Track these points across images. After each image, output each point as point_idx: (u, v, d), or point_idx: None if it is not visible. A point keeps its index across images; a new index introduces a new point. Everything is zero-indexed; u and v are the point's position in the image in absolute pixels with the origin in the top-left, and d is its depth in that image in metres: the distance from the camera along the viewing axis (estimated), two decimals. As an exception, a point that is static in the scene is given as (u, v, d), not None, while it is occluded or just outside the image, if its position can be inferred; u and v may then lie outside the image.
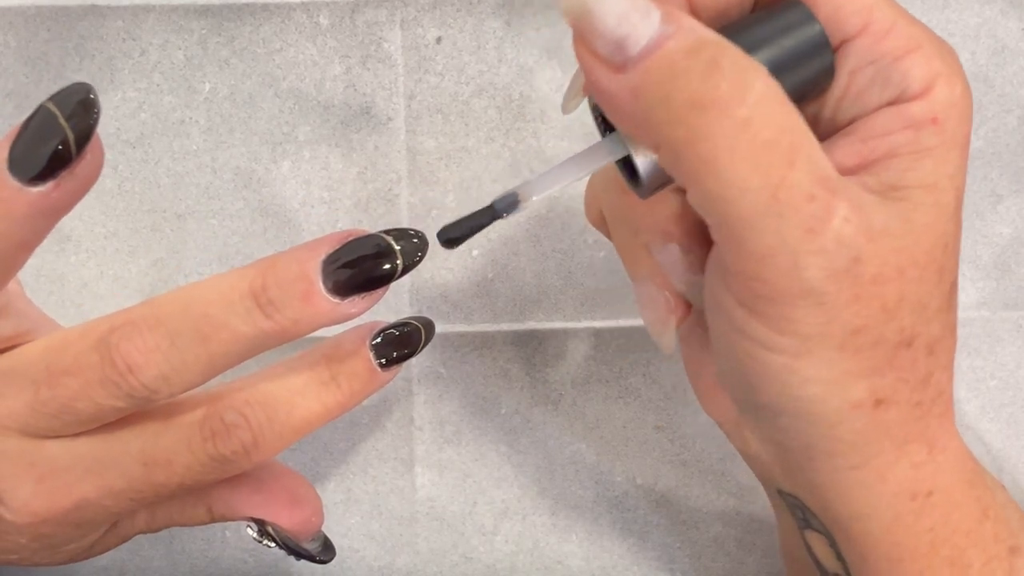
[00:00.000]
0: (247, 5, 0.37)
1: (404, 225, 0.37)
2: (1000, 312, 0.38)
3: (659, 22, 0.21)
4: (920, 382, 0.24)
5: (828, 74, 0.24)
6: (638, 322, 0.38)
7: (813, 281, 0.22)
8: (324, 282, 0.26)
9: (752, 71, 0.22)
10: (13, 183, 0.25)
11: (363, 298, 0.26)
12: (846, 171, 0.24)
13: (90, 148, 0.25)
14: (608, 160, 0.25)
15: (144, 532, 0.32)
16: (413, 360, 0.37)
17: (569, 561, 0.39)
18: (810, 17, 0.24)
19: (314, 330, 0.27)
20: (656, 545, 0.39)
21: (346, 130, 0.37)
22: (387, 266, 0.26)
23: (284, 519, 0.31)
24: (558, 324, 0.38)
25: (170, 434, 0.28)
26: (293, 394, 0.28)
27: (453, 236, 0.25)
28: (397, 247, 0.26)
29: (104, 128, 0.37)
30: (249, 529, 0.31)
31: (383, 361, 0.29)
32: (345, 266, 0.26)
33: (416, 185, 0.37)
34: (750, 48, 0.23)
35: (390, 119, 0.37)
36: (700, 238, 0.26)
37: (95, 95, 0.25)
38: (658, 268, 0.28)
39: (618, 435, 0.38)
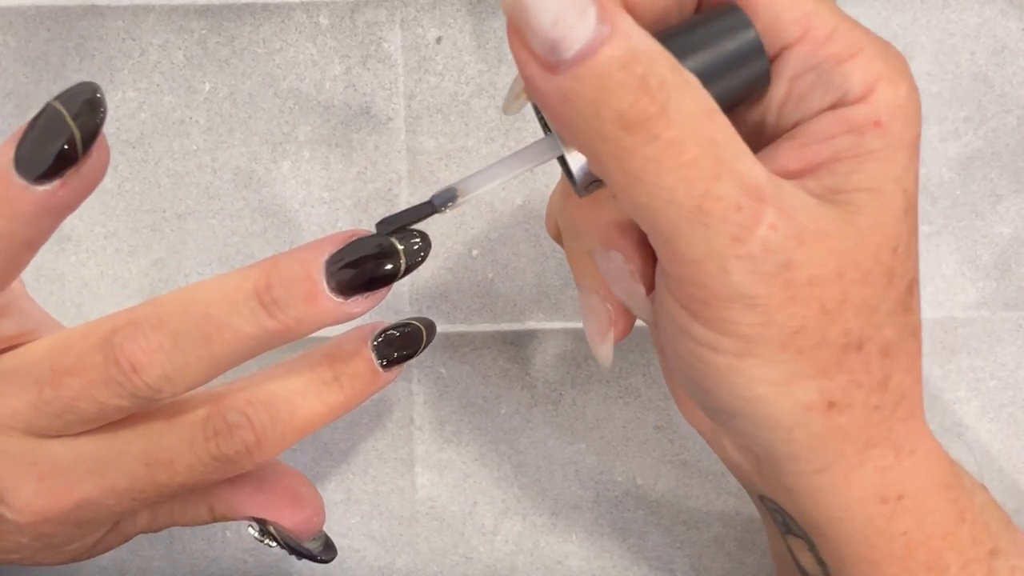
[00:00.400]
0: (247, 5, 0.37)
1: (404, 225, 0.37)
2: (1000, 312, 0.38)
3: (594, 21, 0.21)
4: (877, 385, 0.24)
5: (763, 79, 0.25)
6: (638, 322, 0.38)
7: (742, 285, 0.22)
8: (327, 282, 0.26)
9: (680, 89, 0.22)
10: (19, 182, 0.25)
11: (366, 298, 0.26)
12: (789, 174, 0.24)
13: (96, 147, 0.25)
14: (546, 158, 0.25)
15: (146, 531, 0.32)
16: (413, 360, 0.37)
17: (569, 561, 0.39)
18: (746, 22, 0.24)
19: (317, 330, 0.27)
20: (656, 545, 0.39)
21: (346, 130, 0.37)
22: (390, 266, 0.26)
23: (286, 519, 0.31)
24: (558, 324, 0.38)
25: (173, 434, 0.28)
26: (295, 394, 0.28)
27: (390, 225, 0.26)
28: (400, 247, 0.26)
29: (104, 128, 0.37)
30: (251, 529, 0.31)
31: (384, 362, 0.29)
32: (348, 266, 0.26)
33: (416, 185, 0.37)
34: (685, 52, 0.23)
35: (390, 119, 0.37)
36: (642, 248, 0.26)
37: (102, 94, 0.26)
38: (601, 278, 0.28)
39: (618, 435, 0.38)
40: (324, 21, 0.37)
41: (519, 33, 0.21)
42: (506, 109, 0.26)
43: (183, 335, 0.26)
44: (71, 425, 0.27)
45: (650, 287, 0.27)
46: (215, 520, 0.31)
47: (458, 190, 0.25)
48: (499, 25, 0.37)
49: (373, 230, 0.27)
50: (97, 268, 0.37)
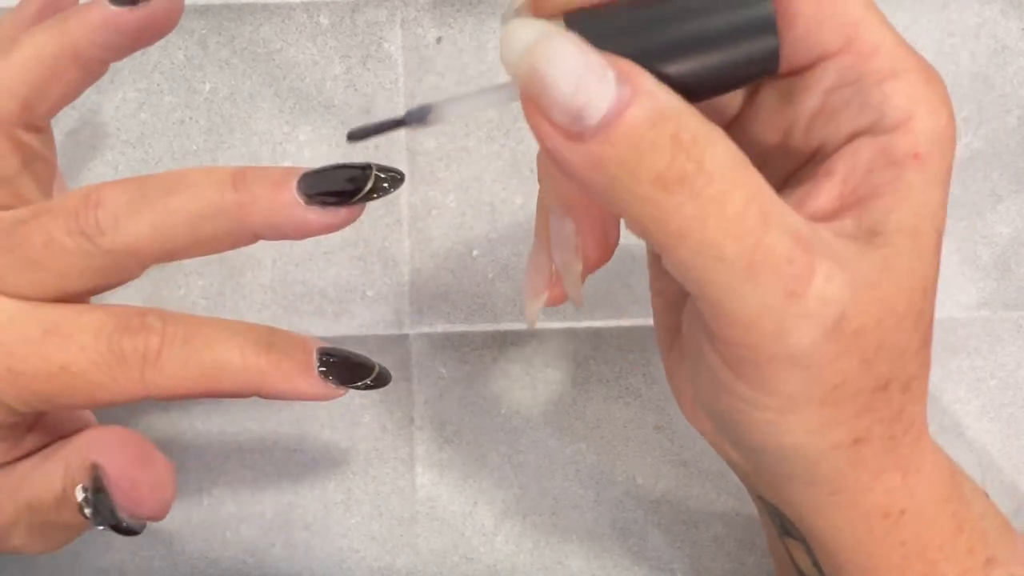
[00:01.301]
0: (247, 5, 0.37)
1: (404, 225, 0.37)
2: (1000, 312, 0.38)
3: (615, 83, 0.20)
4: (893, 418, 0.24)
5: (771, 61, 0.23)
6: (638, 322, 0.38)
7: (800, 345, 0.22)
8: (297, 185, 0.26)
9: (716, 142, 0.21)
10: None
11: (325, 210, 0.26)
12: (827, 215, 0.23)
13: None
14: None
15: (6, 527, 0.29)
16: (414, 361, 0.37)
17: (569, 561, 0.39)
18: None
19: (273, 223, 0.26)
20: (656, 545, 0.39)
21: (346, 130, 0.37)
22: (355, 179, 0.26)
23: (122, 465, 0.27)
24: (558, 324, 0.38)
25: (88, 315, 0.27)
26: (222, 332, 0.27)
27: (359, 136, 0.25)
28: (374, 171, 0.27)
29: (104, 128, 0.37)
30: (79, 491, 0.27)
31: (322, 367, 0.28)
32: (319, 174, 0.26)
33: (416, 185, 0.37)
34: (685, 15, 0.22)
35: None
36: (595, 229, 0.26)
37: None
38: (547, 237, 0.27)
39: (618, 435, 0.38)
40: (324, 21, 0.37)
41: (537, 103, 0.21)
42: (504, 19, 0.25)
43: (153, 187, 0.26)
44: (17, 267, 0.26)
45: (592, 267, 0.26)
46: (64, 494, 0.28)
47: (434, 110, 0.24)
48: (499, 25, 0.37)
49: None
50: (97, 268, 0.37)
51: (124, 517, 0.27)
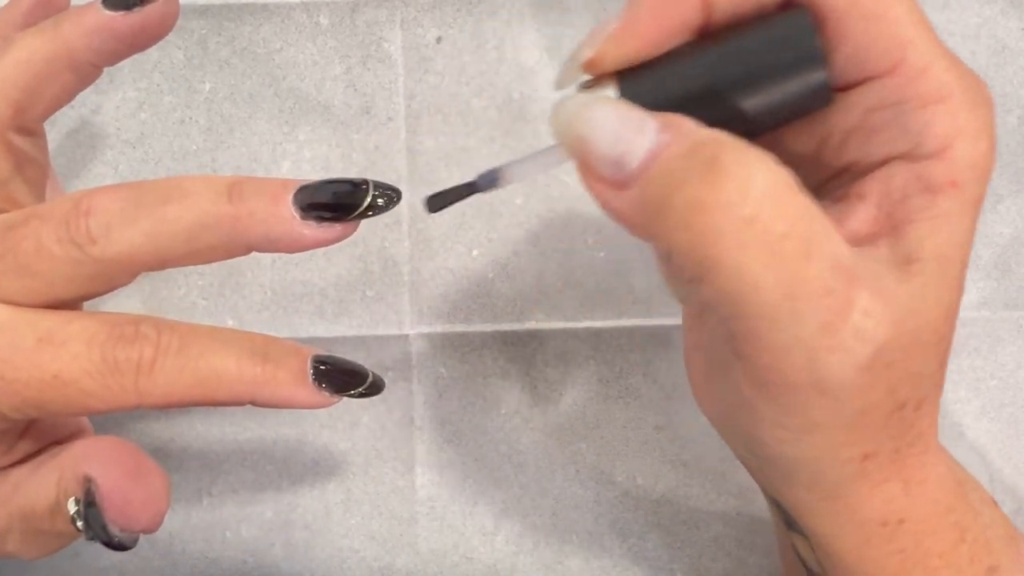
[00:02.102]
0: (247, 5, 0.37)
1: (404, 225, 0.37)
2: (1000, 312, 0.38)
3: (656, 132, 0.21)
4: (902, 434, 0.24)
5: (823, 95, 0.23)
6: (638, 322, 0.38)
7: (831, 379, 0.22)
8: (293, 199, 0.26)
9: (755, 164, 0.21)
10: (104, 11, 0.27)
11: (320, 225, 0.26)
12: (861, 239, 0.23)
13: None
14: None
15: None
16: (414, 361, 0.37)
17: (569, 561, 0.39)
18: (807, 28, 0.22)
19: (269, 237, 0.26)
20: (656, 545, 0.39)
21: (346, 130, 0.37)
22: (352, 195, 0.26)
23: (116, 477, 0.27)
24: (558, 324, 0.38)
25: (82, 322, 0.26)
26: (216, 342, 0.27)
27: (437, 206, 0.26)
28: (371, 189, 0.26)
29: (104, 128, 0.37)
30: (71, 503, 0.27)
31: (314, 373, 0.28)
32: (316, 188, 0.26)
33: (416, 185, 0.37)
34: (734, 56, 0.22)
35: (390, 119, 0.37)
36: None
37: None
38: None
39: (618, 435, 0.38)
40: (324, 21, 0.37)
41: (585, 163, 0.22)
42: (559, 84, 0.25)
43: (148, 195, 0.26)
44: (6, 274, 0.26)
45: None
46: (58, 503, 0.28)
47: (502, 175, 0.25)
48: (499, 25, 0.37)
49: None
50: (97, 268, 0.37)
51: (116, 532, 0.27)
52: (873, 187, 0.23)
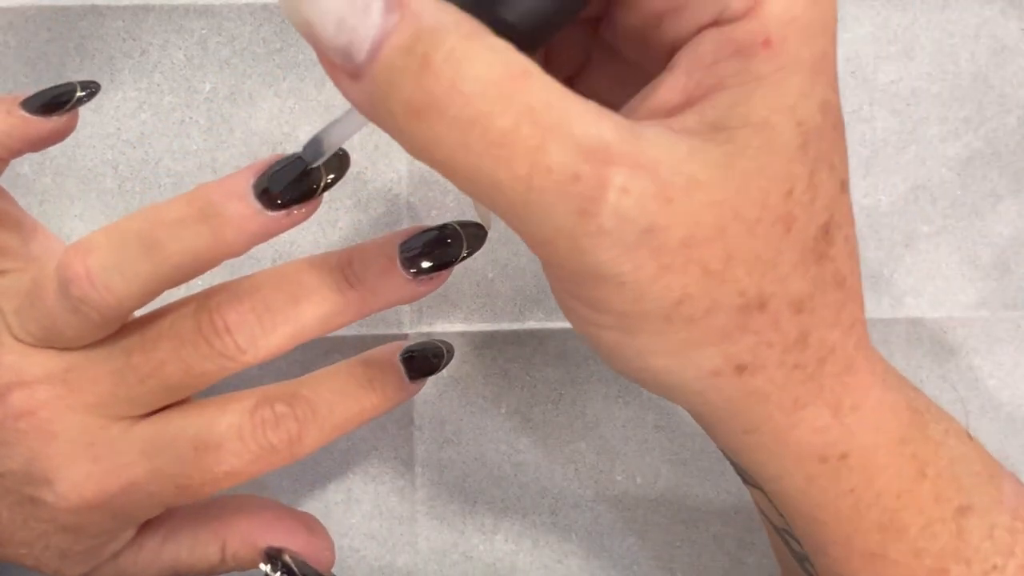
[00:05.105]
0: (247, 5, 0.37)
1: (404, 225, 0.37)
2: (1000, 312, 0.38)
3: (380, 14, 0.19)
4: (793, 344, 0.22)
5: None
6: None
7: (602, 265, 0.20)
8: (400, 261, 0.28)
9: (469, 60, 0.19)
10: (255, 205, 0.26)
11: (431, 278, 0.28)
12: (671, 110, 0.21)
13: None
14: None
15: (145, 571, 0.32)
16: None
17: (569, 560, 0.39)
18: None
19: (390, 305, 0.29)
20: (656, 545, 0.39)
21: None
22: (455, 248, 0.28)
23: (302, 545, 0.32)
24: (558, 324, 0.38)
25: (224, 420, 0.28)
26: (334, 393, 0.29)
27: (272, 191, 0.26)
28: (463, 232, 0.28)
29: (104, 128, 0.37)
30: (263, 566, 0.31)
31: (407, 371, 0.31)
32: (419, 247, 0.28)
33: (416, 185, 0.37)
34: None
35: (390, 119, 0.37)
36: None
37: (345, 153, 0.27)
38: None
39: (618, 434, 0.38)
40: (324, 21, 0.37)
41: (315, 48, 0.20)
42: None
43: (275, 299, 0.27)
44: (151, 393, 0.28)
45: None
46: (223, 563, 0.31)
47: (324, 140, 0.25)
48: None
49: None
50: (97, 268, 0.37)
51: (314, 572, 0.31)
52: (682, 57, 0.21)
